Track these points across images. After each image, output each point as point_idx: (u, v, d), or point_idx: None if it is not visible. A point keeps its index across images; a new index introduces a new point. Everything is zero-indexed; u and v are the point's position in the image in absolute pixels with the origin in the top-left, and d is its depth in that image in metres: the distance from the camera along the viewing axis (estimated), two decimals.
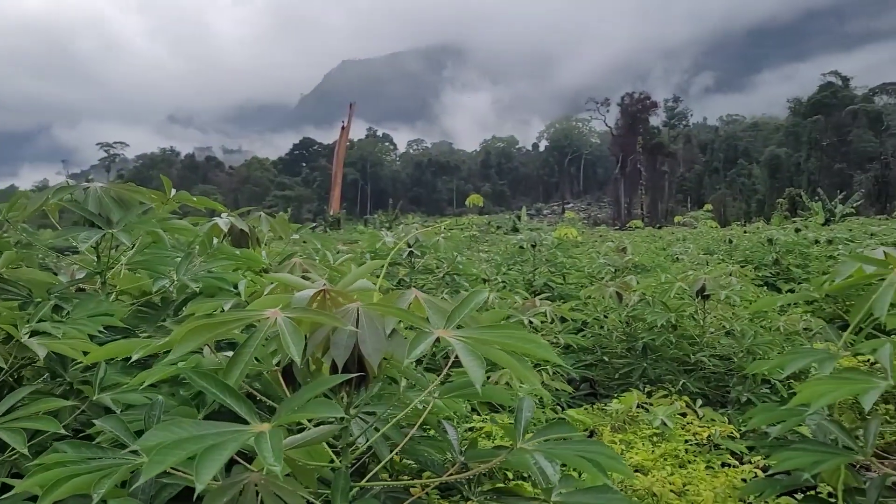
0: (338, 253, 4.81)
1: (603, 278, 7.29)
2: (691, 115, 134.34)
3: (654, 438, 3.18)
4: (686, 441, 3.23)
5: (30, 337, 1.80)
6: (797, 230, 11.87)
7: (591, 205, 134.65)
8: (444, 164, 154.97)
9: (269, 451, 1.05)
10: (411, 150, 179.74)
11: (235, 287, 2.40)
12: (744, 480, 2.71)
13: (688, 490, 2.54)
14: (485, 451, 1.66)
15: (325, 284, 1.59)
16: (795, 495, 2.48)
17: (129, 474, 1.28)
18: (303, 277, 1.90)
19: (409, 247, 5.76)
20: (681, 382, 4.65)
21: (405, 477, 2.37)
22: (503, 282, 7.04)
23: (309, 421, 1.52)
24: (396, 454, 1.68)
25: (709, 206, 25.47)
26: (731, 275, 5.30)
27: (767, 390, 4.59)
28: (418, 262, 5.77)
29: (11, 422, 1.58)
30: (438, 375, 1.46)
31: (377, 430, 1.61)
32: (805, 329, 5.15)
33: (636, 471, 2.78)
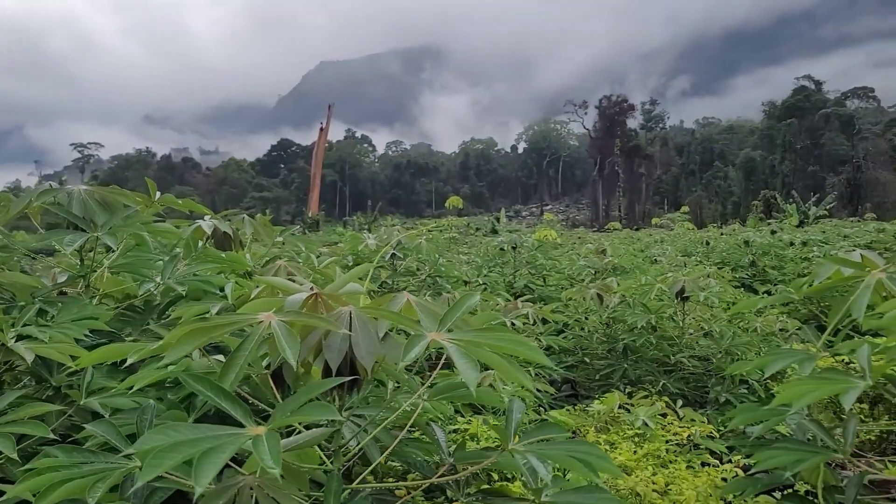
0: (319, 256, 4.80)
1: (583, 280, 7.34)
2: (668, 117, 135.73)
3: (637, 439, 3.21)
4: (667, 441, 3.28)
5: (16, 341, 1.79)
6: (773, 232, 12.04)
7: (569, 206, 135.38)
8: (423, 166, 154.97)
9: (267, 454, 1.06)
10: (390, 152, 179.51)
11: (221, 290, 2.39)
12: (724, 479, 2.75)
13: (670, 489, 2.58)
14: (475, 452, 1.68)
15: (312, 288, 1.60)
16: (773, 494, 2.53)
17: (121, 479, 1.27)
18: (288, 280, 1.90)
19: (393, 249, 5.76)
20: (661, 383, 4.71)
21: (390, 479, 2.38)
22: (484, 284, 7.06)
23: (300, 424, 1.52)
24: (382, 456, 1.69)
25: (685, 208, 25.77)
26: (709, 276, 5.37)
27: (745, 390, 4.66)
28: (400, 264, 5.77)
29: (0, 426, 1.57)
30: (422, 378, 1.48)
31: (367, 432, 1.62)
32: (781, 330, 5.24)
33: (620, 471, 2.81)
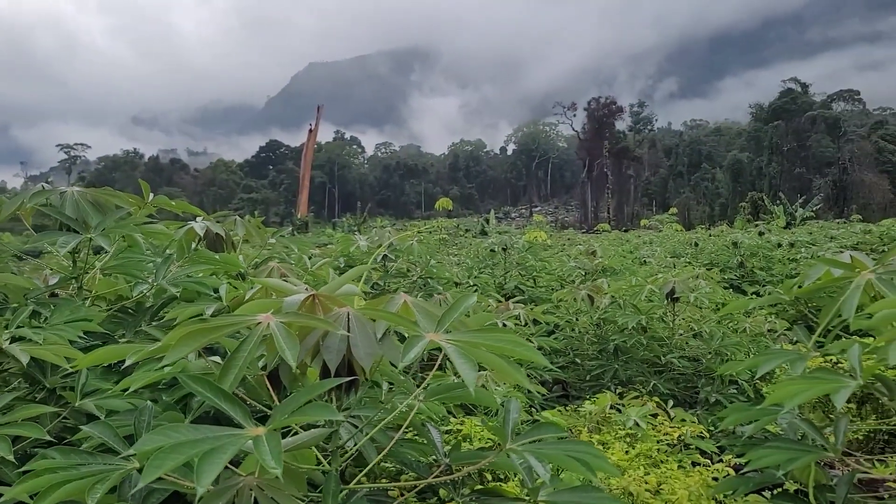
0: (311, 258, 4.80)
1: (574, 281, 7.37)
2: (656, 120, 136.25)
3: (629, 439, 3.23)
4: (658, 441, 3.30)
5: (10, 343, 1.78)
6: (760, 233, 12.13)
7: (558, 208, 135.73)
8: (412, 168, 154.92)
9: (268, 454, 1.07)
10: (379, 153, 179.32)
11: (215, 292, 2.39)
12: (715, 479, 2.77)
13: (663, 489, 2.60)
14: (471, 452, 1.69)
15: (307, 288, 1.60)
16: (763, 493, 2.55)
17: (120, 480, 1.27)
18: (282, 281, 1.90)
19: (385, 251, 5.76)
20: (651, 384, 4.74)
21: (384, 480, 2.38)
22: (475, 285, 7.08)
23: (296, 424, 1.53)
24: (380, 457, 1.70)
25: (673, 210, 25.92)
26: (699, 277, 5.41)
27: (734, 391, 4.70)
28: (392, 265, 5.78)
29: None
30: (415, 378, 1.48)
31: (363, 433, 1.63)
32: (770, 330, 5.28)
33: None
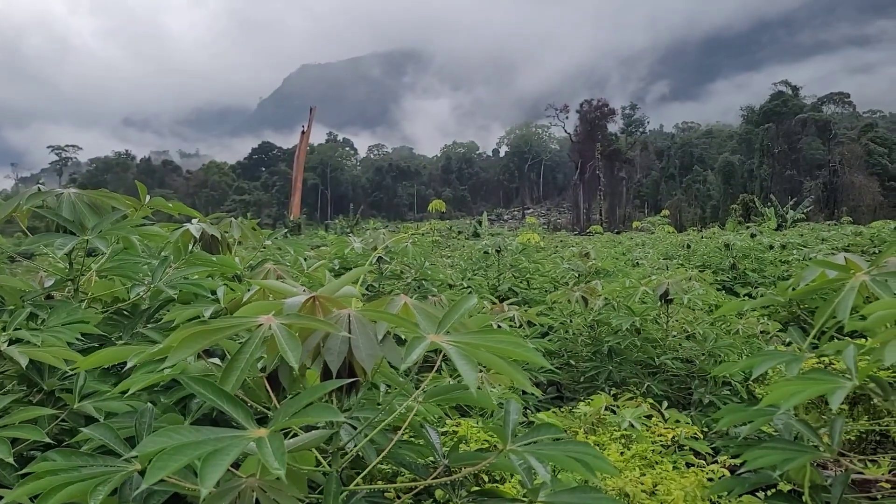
0: (306, 259, 4.79)
1: (567, 283, 7.39)
2: (648, 122, 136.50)
3: (624, 440, 3.25)
4: (652, 442, 3.31)
5: (8, 345, 1.78)
6: (752, 235, 12.19)
7: (550, 210, 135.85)
8: (405, 169, 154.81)
9: (271, 456, 1.07)
10: (372, 155, 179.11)
11: (213, 293, 2.39)
12: (710, 480, 2.79)
13: (658, 490, 2.61)
14: (470, 453, 1.69)
15: (305, 290, 1.61)
16: (756, 494, 2.56)
17: (121, 482, 1.27)
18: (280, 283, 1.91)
19: (382, 253, 5.77)
20: (645, 385, 4.76)
21: (380, 481, 2.39)
22: (469, 287, 7.09)
23: (296, 426, 1.53)
24: (379, 458, 1.70)
25: (665, 212, 25.99)
26: (692, 279, 5.43)
27: (728, 392, 4.72)
28: (386, 267, 5.78)
29: None
30: (413, 381, 1.49)
31: (363, 434, 1.63)
32: (762, 332, 5.31)
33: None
